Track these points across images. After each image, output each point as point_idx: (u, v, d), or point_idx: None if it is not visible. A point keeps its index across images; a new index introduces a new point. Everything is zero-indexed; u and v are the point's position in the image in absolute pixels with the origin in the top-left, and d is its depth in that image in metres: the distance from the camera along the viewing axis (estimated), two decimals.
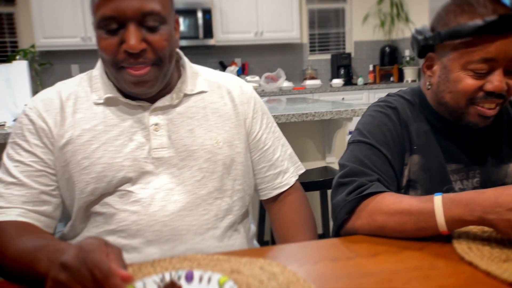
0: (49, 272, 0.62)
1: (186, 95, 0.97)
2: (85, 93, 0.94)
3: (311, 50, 5.40)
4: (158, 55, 0.87)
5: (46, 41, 4.43)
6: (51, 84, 1.00)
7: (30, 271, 0.69)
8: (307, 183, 1.71)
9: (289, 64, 5.28)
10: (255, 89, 2.00)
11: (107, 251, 0.60)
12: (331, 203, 0.99)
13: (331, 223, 0.97)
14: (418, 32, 1.01)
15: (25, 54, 4.51)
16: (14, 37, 4.75)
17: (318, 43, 5.42)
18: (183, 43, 4.52)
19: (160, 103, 0.93)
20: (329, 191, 2.29)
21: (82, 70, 4.96)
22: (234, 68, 4.54)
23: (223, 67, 4.90)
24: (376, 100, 1.10)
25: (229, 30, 4.79)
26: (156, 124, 0.93)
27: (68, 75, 4.79)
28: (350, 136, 1.07)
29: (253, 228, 1.10)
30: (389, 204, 0.85)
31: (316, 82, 4.76)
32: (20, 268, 0.72)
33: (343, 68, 5.17)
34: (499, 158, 1.04)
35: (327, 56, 5.39)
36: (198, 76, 1.01)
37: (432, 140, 1.02)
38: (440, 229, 0.78)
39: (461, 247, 0.76)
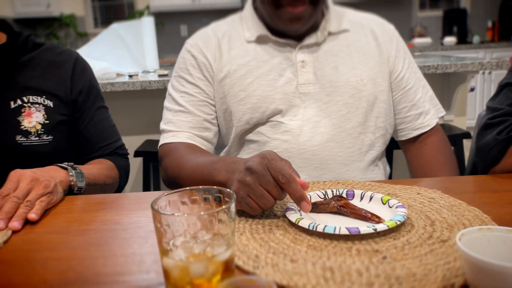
0: (227, 180, 0.71)
1: (330, 34, 1.00)
2: (237, 32, 1.02)
3: (420, 6, 5.04)
4: None
5: (159, 2, 4.71)
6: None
7: (209, 181, 0.78)
8: None
9: (396, 21, 4.97)
10: None
11: (283, 161, 0.67)
12: (477, 145, 0.96)
13: None
14: None
15: (140, 15, 4.85)
16: None
17: None
18: None
19: (307, 41, 0.98)
20: None
21: (190, 31, 5.21)
22: None
23: None
24: None
25: None
26: (302, 61, 0.97)
27: (177, 35, 5.07)
28: (502, 80, 1.01)
29: (388, 168, 1.12)
30: None
31: (426, 40, 4.47)
32: (198, 179, 0.82)
33: (456, 25, 4.77)
34: None
35: (439, 13, 5.00)
36: (341, 15, 1.03)
37: None
38: None
39: None
